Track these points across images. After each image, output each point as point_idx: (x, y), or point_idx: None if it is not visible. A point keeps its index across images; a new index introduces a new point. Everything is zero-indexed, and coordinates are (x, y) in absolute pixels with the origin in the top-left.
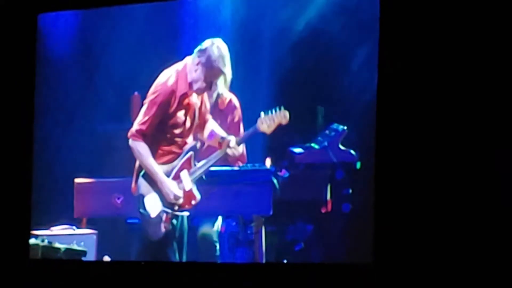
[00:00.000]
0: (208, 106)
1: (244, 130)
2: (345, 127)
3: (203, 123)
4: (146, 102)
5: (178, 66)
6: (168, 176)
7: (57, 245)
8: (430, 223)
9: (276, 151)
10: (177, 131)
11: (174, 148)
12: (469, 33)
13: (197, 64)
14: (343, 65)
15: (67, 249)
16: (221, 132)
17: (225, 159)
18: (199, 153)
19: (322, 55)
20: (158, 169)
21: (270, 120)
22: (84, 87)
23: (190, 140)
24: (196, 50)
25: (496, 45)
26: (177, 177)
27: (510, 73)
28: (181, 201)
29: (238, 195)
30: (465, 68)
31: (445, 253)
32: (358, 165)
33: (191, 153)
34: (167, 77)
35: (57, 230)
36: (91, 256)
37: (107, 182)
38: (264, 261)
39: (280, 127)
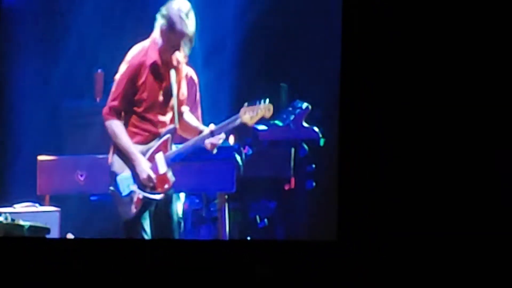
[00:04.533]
0: (185, 92)
1: (202, 110)
2: (309, 104)
3: (180, 106)
4: (116, 78)
5: (148, 40)
6: (143, 156)
7: (20, 222)
8: (394, 199)
9: (240, 128)
10: (150, 105)
11: (149, 127)
12: (439, 8)
13: (161, 29)
14: (307, 41)
15: (30, 227)
16: (198, 125)
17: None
18: (176, 136)
19: (285, 30)
20: (132, 148)
21: (254, 112)
22: (48, 63)
23: (167, 119)
24: (158, 14)
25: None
26: (152, 159)
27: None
28: (153, 183)
29: (201, 172)
30: (427, 43)
31: (408, 230)
32: (322, 142)
33: (168, 136)
34: (137, 50)
35: (20, 207)
36: (54, 234)
37: (70, 159)
38: (227, 238)
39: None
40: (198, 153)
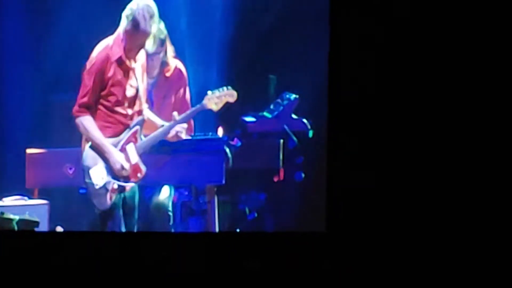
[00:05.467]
0: (146, 85)
1: (191, 99)
2: (297, 96)
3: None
4: (84, 74)
5: (112, 37)
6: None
7: (9, 215)
8: (383, 191)
9: (229, 120)
10: (119, 99)
11: (119, 118)
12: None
13: (125, 29)
14: (295, 33)
15: (19, 220)
16: (157, 120)
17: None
18: (145, 127)
19: (273, 22)
20: (105, 141)
21: (218, 99)
22: (36, 56)
23: (135, 111)
24: (123, 14)
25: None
26: (123, 150)
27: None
28: (127, 173)
29: (191, 164)
30: (415, 33)
31: (398, 221)
32: (311, 133)
33: (137, 127)
34: (102, 45)
35: (9, 200)
36: (43, 227)
37: (59, 152)
38: (217, 230)
39: None
40: (187, 144)
